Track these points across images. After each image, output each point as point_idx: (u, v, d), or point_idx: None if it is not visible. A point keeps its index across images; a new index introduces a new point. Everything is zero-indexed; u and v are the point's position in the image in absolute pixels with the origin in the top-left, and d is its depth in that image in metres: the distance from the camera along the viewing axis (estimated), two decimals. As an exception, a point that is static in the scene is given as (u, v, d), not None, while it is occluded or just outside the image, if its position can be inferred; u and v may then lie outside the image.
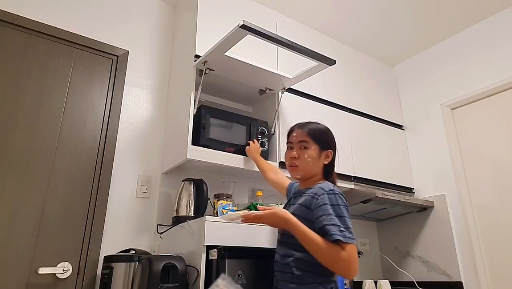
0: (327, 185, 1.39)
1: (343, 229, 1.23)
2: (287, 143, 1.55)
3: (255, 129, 2.18)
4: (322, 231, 1.25)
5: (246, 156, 2.06)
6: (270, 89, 2.32)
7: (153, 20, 2.47)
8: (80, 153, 1.96)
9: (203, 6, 2.17)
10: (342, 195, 1.35)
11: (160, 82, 2.37)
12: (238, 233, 1.62)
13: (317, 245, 1.22)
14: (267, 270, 1.57)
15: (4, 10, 1.94)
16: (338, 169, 2.39)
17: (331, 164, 1.51)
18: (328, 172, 1.51)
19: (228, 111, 2.22)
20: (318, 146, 1.48)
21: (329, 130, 1.55)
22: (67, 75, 2.04)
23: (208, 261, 1.53)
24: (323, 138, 1.50)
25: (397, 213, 2.82)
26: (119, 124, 2.13)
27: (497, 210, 2.45)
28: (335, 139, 1.55)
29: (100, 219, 1.91)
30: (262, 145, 2.13)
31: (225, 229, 1.59)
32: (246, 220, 1.33)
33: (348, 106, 2.73)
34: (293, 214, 1.33)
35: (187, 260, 1.58)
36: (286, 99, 2.35)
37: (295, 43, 1.87)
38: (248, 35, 1.75)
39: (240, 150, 2.07)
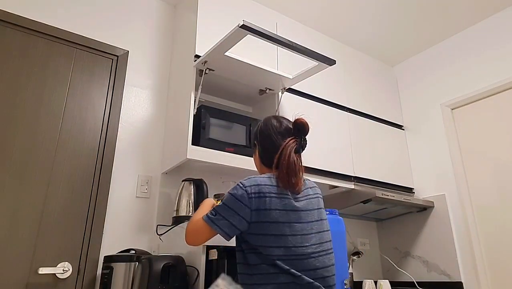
0: (246, 178, 1.34)
1: (213, 212, 1.27)
2: None
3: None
4: None
5: (246, 156, 2.06)
6: (270, 89, 2.32)
7: (153, 20, 2.47)
8: (80, 152, 1.96)
9: (203, 6, 2.17)
10: (245, 186, 1.27)
11: (160, 82, 2.37)
12: (238, 233, 1.62)
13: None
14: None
15: (4, 10, 1.94)
16: (338, 169, 2.45)
17: (264, 153, 1.42)
18: (266, 162, 1.41)
19: (228, 111, 2.22)
20: (254, 147, 1.50)
21: (260, 124, 1.47)
22: (67, 75, 2.04)
23: (208, 261, 1.53)
24: (252, 138, 1.52)
25: (397, 213, 2.82)
26: (119, 124, 2.13)
27: (497, 210, 2.45)
28: (267, 127, 1.43)
29: (100, 219, 1.91)
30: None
31: (225, 229, 1.59)
32: None
33: (348, 106, 2.73)
34: None
35: (187, 260, 1.58)
36: (286, 99, 2.36)
37: (295, 43, 1.87)
38: (248, 35, 1.75)
39: (240, 150, 2.07)
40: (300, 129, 1.39)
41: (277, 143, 1.38)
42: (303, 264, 1.21)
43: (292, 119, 1.45)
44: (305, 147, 1.41)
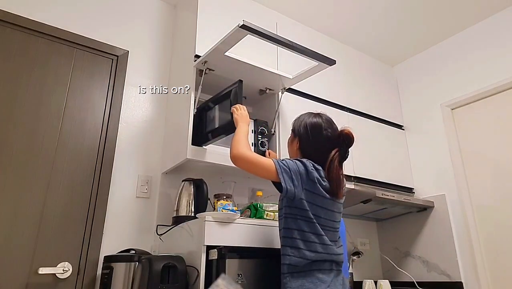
0: None
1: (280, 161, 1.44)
2: None
3: (255, 129, 2.17)
4: None
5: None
6: (270, 89, 2.32)
7: (153, 20, 2.47)
8: (80, 153, 1.96)
9: (203, 6, 2.17)
10: (308, 162, 1.43)
11: (160, 82, 2.37)
12: (238, 233, 1.62)
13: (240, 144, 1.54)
14: (267, 270, 1.57)
15: (4, 10, 1.94)
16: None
17: (303, 148, 1.53)
18: (305, 155, 1.52)
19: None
20: (292, 132, 1.61)
21: (302, 116, 1.59)
22: (67, 75, 2.04)
23: (208, 261, 1.53)
24: (294, 126, 1.60)
25: (397, 213, 2.82)
26: (119, 124, 2.13)
27: (497, 210, 2.45)
28: (308, 123, 1.53)
29: (100, 219, 1.91)
30: (262, 144, 2.13)
31: (225, 229, 1.59)
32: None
33: (348, 106, 2.73)
34: None
35: (187, 260, 1.58)
36: (286, 99, 2.35)
37: (295, 43, 1.87)
38: (248, 35, 1.75)
39: (228, 127, 1.82)
40: (345, 141, 1.48)
41: (324, 148, 1.48)
42: None
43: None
44: (347, 157, 1.50)
